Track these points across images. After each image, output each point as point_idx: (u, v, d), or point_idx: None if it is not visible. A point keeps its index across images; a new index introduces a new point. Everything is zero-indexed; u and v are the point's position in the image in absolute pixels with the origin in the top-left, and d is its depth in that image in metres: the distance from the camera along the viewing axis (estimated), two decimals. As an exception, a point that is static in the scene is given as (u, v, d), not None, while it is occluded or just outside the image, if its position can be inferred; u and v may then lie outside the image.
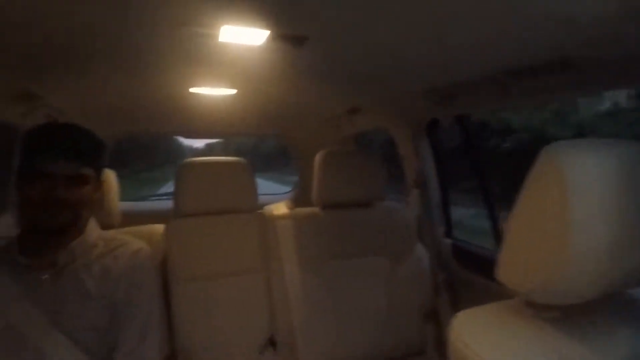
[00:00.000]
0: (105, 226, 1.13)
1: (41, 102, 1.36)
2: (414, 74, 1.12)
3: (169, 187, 1.40)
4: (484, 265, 1.41)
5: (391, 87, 1.33)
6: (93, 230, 1.01)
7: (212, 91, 1.47)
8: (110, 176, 1.27)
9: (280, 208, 1.43)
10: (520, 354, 0.54)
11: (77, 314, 0.89)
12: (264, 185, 1.58)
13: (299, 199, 2.37)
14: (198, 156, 1.45)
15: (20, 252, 0.91)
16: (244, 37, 0.80)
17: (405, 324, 1.42)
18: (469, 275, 1.47)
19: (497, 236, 1.41)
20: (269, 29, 0.76)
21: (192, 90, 1.44)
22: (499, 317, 0.62)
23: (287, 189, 2.78)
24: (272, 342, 1.34)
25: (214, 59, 1.01)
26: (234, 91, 1.49)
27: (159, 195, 2.88)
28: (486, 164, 1.62)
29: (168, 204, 1.34)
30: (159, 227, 1.32)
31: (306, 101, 1.69)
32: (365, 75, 1.19)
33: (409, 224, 1.53)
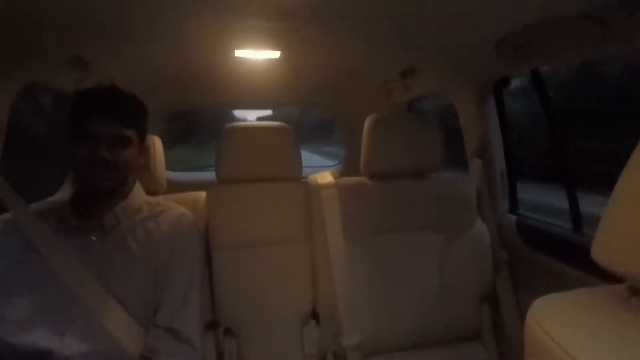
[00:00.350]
0: (150, 193, 1.13)
1: (92, 69, 1.39)
2: (485, 21, 0.94)
3: None
4: (557, 245, 1.24)
5: (455, 41, 1.16)
6: (138, 194, 1.01)
7: (257, 54, 1.42)
8: (157, 143, 1.27)
9: (325, 177, 1.34)
10: (621, 349, 0.41)
11: (123, 276, 0.90)
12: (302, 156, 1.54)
13: (346, 173, 2.28)
14: None
15: (72, 214, 0.93)
16: None
17: (459, 305, 1.30)
18: (537, 256, 1.30)
19: (575, 215, 1.22)
20: None
21: (237, 53, 1.40)
22: (593, 304, 0.49)
23: (323, 158, 2.70)
24: (314, 315, 1.29)
25: (256, 10, 0.93)
26: (277, 53, 1.43)
27: (208, 166, 2.92)
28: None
29: (212, 175, 1.30)
30: (203, 195, 1.29)
31: (353, 63, 1.57)
32: (424, 27, 1.04)
33: (468, 197, 1.37)
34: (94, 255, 0.90)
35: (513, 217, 1.43)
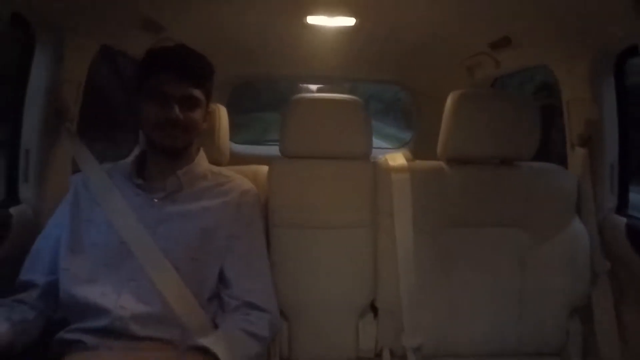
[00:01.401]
0: (213, 163, 1.10)
1: (164, 34, 1.38)
2: None
3: None
4: None
5: (573, 3, 0.95)
6: (201, 161, 1.01)
7: (330, 21, 1.33)
8: (223, 112, 1.23)
9: (396, 158, 1.20)
10: None
11: (180, 241, 0.90)
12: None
13: (414, 153, 2.19)
14: None
15: (137, 174, 0.95)
16: None
17: (541, 315, 1.13)
18: None
19: None
20: None
21: (309, 19, 1.32)
22: None
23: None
24: (373, 308, 1.19)
25: None
26: (352, 21, 1.32)
27: (272, 140, 2.95)
28: None
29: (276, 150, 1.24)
30: (264, 169, 1.24)
31: (437, 33, 1.40)
32: None
33: (565, 192, 1.16)
34: (154, 217, 0.91)
35: (622, 219, 1.18)
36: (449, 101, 1.17)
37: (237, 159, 1.38)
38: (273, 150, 2.25)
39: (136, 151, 1.79)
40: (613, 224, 1.19)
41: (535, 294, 1.13)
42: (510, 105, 1.15)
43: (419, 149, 2.19)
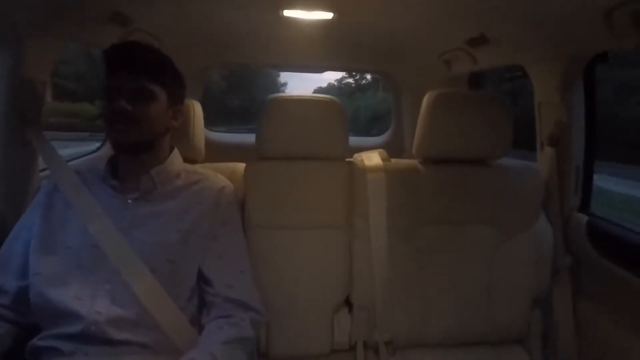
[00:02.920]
0: (188, 160, 1.08)
1: (133, 26, 1.33)
2: None
3: None
4: (634, 255, 1.07)
5: (548, 8, 0.95)
6: (175, 160, 0.99)
7: (307, 15, 1.31)
8: (197, 108, 1.19)
9: (372, 158, 1.21)
10: None
11: (155, 243, 0.89)
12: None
13: (390, 145, 2.22)
14: None
15: (111, 174, 0.93)
16: None
17: (506, 307, 1.19)
18: (606, 264, 1.14)
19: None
20: None
21: (285, 12, 1.29)
22: None
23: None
24: (348, 303, 1.23)
25: None
26: (330, 15, 1.29)
27: (247, 128, 2.90)
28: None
29: (253, 138, 1.22)
30: (241, 166, 1.22)
31: (415, 27, 1.39)
32: None
33: (532, 191, 1.21)
34: (128, 218, 0.90)
35: (584, 217, 1.25)
36: (424, 101, 1.17)
37: (212, 148, 1.34)
38: (247, 137, 2.24)
39: (107, 145, 1.74)
40: (575, 222, 1.26)
41: (502, 288, 1.18)
42: (484, 107, 1.17)
43: (397, 140, 2.21)
